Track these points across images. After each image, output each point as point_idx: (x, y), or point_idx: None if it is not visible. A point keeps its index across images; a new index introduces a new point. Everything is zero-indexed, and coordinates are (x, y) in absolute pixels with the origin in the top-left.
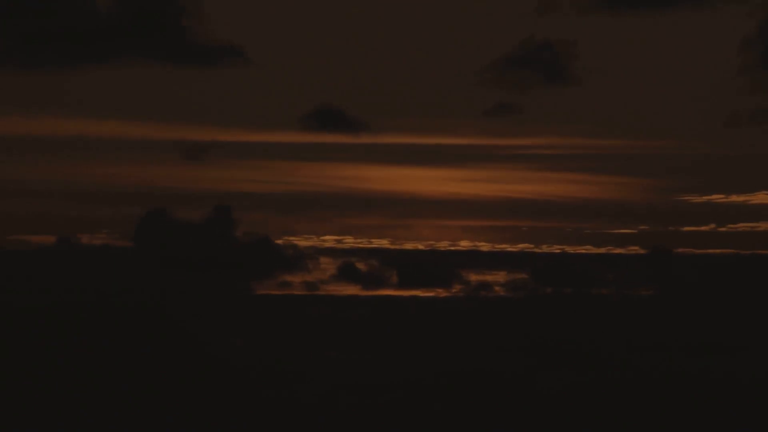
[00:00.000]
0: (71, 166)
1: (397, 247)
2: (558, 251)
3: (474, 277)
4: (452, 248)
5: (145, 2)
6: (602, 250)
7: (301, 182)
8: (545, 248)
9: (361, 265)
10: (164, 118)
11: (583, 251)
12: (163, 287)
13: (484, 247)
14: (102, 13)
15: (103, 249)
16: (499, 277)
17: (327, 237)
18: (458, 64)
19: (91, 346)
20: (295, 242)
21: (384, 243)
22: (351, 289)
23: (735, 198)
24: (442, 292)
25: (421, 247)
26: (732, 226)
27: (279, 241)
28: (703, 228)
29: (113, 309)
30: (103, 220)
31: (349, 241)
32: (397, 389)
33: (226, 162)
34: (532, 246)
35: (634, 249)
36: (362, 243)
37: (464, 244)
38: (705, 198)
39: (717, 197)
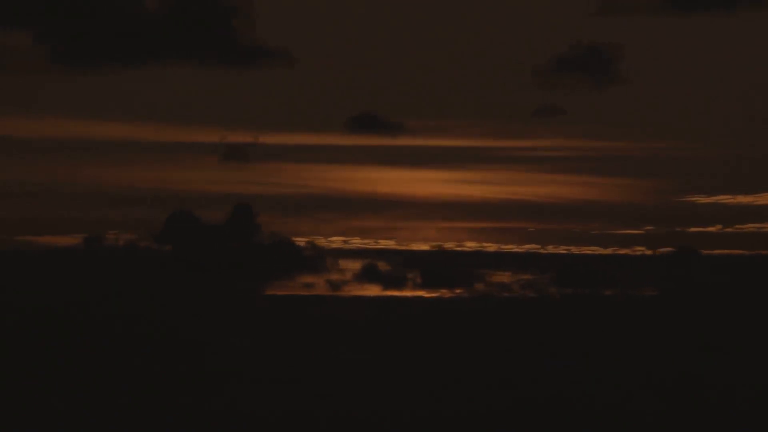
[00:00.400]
0: (103, 169)
1: (404, 247)
2: (564, 252)
3: (485, 278)
4: (458, 249)
5: (192, 3)
6: (608, 251)
7: (307, 185)
8: (551, 249)
9: (380, 267)
10: (198, 121)
11: (589, 252)
12: (177, 287)
13: (491, 247)
14: (145, 14)
15: (125, 250)
16: (505, 277)
17: (334, 238)
18: (499, 67)
19: (93, 346)
20: (316, 243)
21: (391, 244)
22: (371, 290)
23: (742, 198)
24: (446, 293)
25: (427, 248)
26: (739, 226)
27: (301, 243)
28: (709, 229)
29: (116, 310)
30: (130, 222)
31: (356, 242)
32: (403, 390)
33: (249, 164)
34: (538, 247)
35: (640, 249)
36: (369, 244)
37: (470, 245)
38: (712, 199)
39: (724, 198)
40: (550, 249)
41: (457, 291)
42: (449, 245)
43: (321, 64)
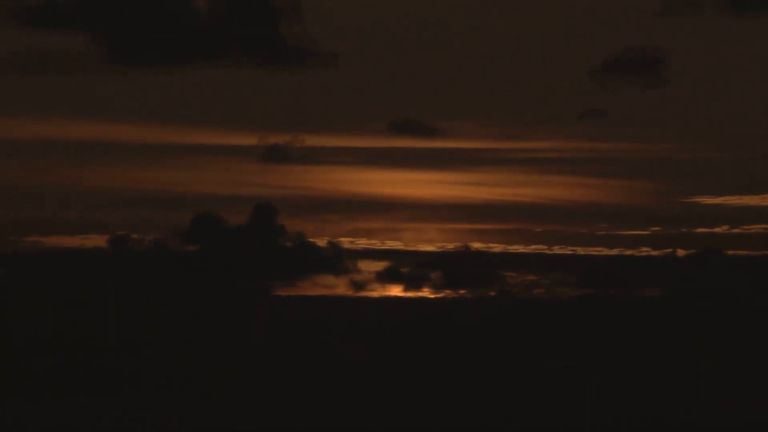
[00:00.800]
0: (146, 172)
1: (412, 248)
2: (570, 252)
3: (493, 279)
4: (466, 250)
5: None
6: (614, 252)
7: (326, 187)
8: (557, 250)
9: (390, 269)
10: (240, 122)
11: (595, 253)
12: (184, 287)
13: (497, 248)
14: (191, 16)
15: (151, 251)
16: (512, 278)
17: (342, 239)
18: (554, 69)
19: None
20: (338, 243)
21: (398, 245)
22: (384, 291)
23: (749, 199)
24: (451, 294)
25: (433, 249)
26: (746, 227)
27: (322, 243)
28: (716, 230)
29: (121, 311)
30: (160, 224)
31: (363, 243)
32: (403, 393)
33: (283, 165)
34: (545, 248)
35: (646, 250)
36: (375, 245)
37: (477, 246)
38: (719, 199)
39: (730, 198)
40: (557, 250)
41: (461, 292)
42: (456, 246)
43: (363, 66)
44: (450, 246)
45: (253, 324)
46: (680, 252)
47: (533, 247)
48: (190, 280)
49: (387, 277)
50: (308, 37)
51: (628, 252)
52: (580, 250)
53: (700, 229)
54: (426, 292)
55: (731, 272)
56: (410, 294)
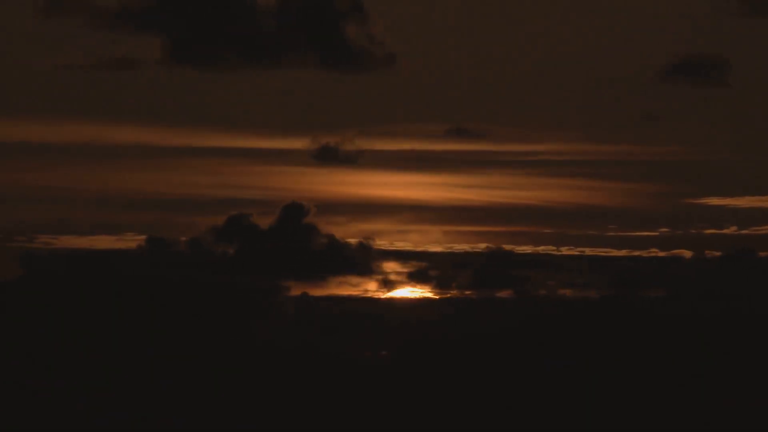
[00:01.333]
0: (187, 175)
1: (423, 249)
2: (578, 253)
3: (502, 280)
4: (474, 251)
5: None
6: (622, 253)
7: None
8: (565, 251)
9: (398, 269)
10: (293, 124)
11: (603, 254)
12: (207, 286)
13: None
14: (249, 18)
15: (184, 252)
16: (520, 278)
17: (348, 240)
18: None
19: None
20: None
21: (407, 246)
22: (412, 290)
23: (757, 201)
24: (457, 294)
25: (441, 250)
26: (755, 228)
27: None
28: (724, 231)
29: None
30: (194, 225)
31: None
32: (411, 393)
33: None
34: (554, 249)
35: (654, 251)
36: (383, 245)
37: (485, 247)
38: (727, 200)
39: (738, 200)
40: (565, 251)
41: (467, 293)
42: (462, 247)
43: (421, 68)
44: (469, 247)
45: (254, 323)
46: (710, 253)
47: (542, 248)
48: (208, 279)
49: (415, 277)
50: (369, 38)
51: (636, 253)
52: (588, 251)
53: (708, 231)
54: (454, 292)
55: (762, 274)
56: (429, 295)
